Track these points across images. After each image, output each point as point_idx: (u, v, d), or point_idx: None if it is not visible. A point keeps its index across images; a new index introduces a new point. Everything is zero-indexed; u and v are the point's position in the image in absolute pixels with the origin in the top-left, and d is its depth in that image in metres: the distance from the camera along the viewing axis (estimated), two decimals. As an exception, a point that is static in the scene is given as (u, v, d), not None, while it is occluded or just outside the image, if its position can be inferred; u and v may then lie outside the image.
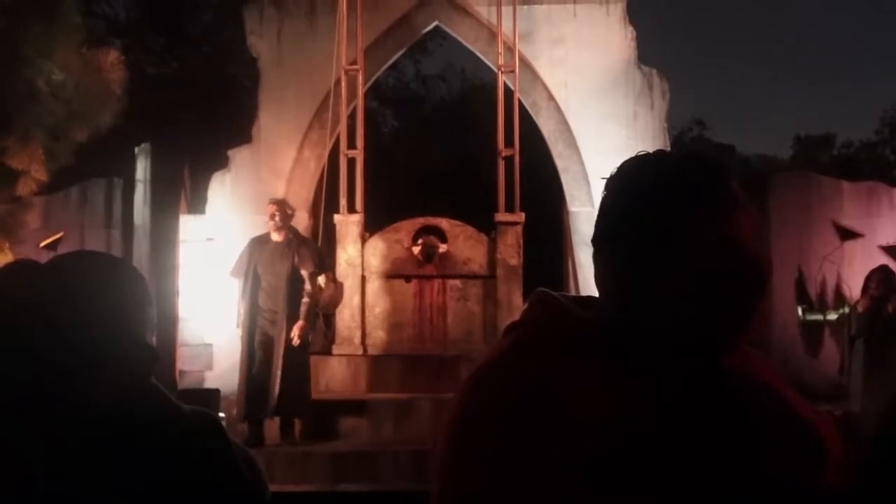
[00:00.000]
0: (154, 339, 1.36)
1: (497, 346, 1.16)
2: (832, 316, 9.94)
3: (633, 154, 1.20)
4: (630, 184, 1.14)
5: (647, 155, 1.18)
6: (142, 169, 10.05)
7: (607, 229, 1.14)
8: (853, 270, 9.67)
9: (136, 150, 10.14)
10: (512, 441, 1.03)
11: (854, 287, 9.33)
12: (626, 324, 1.10)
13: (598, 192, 10.63)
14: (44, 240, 9.76)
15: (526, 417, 1.04)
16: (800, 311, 10.06)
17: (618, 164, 1.18)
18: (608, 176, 1.18)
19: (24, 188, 7.35)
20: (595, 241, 1.16)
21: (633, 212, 1.11)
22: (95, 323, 1.24)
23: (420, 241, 9.44)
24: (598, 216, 1.16)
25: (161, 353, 1.37)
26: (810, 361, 9.63)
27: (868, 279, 8.46)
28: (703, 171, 1.13)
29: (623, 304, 1.12)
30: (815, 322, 10.04)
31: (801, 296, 10.02)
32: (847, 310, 9.29)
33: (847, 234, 10.00)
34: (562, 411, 1.04)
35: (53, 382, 1.19)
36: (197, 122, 15.25)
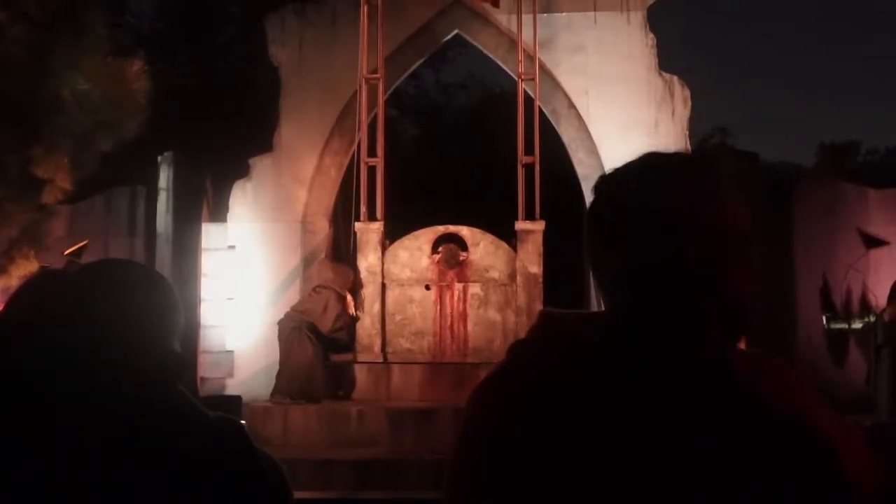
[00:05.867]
0: (178, 346, 1.37)
1: (500, 362, 1.18)
2: (857, 324, 9.82)
3: None
4: (609, 191, 1.16)
5: (630, 163, 1.17)
6: (164, 177, 10.15)
7: (590, 240, 1.15)
8: (879, 278, 9.55)
9: (159, 158, 10.25)
10: (509, 453, 1.05)
11: (880, 296, 9.22)
12: (619, 331, 1.11)
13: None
14: (68, 248, 9.88)
15: (524, 429, 1.06)
16: (824, 320, 9.95)
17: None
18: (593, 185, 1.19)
19: (49, 197, 7.44)
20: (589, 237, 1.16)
21: (608, 211, 1.13)
22: (127, 329, 1.26)
23: (440, 249, 9.45)
24: (585, 226, 1.17)
25: (184, 359, 1.39)
26: (836, 371, 9.51)
27: (894, 288, 8.36)
28: (669, 156, 1.15)
29: (615, 308, 1.12)
30: (840, 331, 9.92)
31: (826, 304, 9.91)
32: (873, 318, 9.18)
33: (873, 242, 9.88)
34: (559, 423, 1.05)
35: (82, 385, 1.21)
36: (219, 131, 15.38)
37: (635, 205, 1.10)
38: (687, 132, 10.00)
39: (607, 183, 1.16)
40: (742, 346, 1.19)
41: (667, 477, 1.01)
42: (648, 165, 1.15)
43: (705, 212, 1.08)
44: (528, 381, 1.10)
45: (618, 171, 1.16)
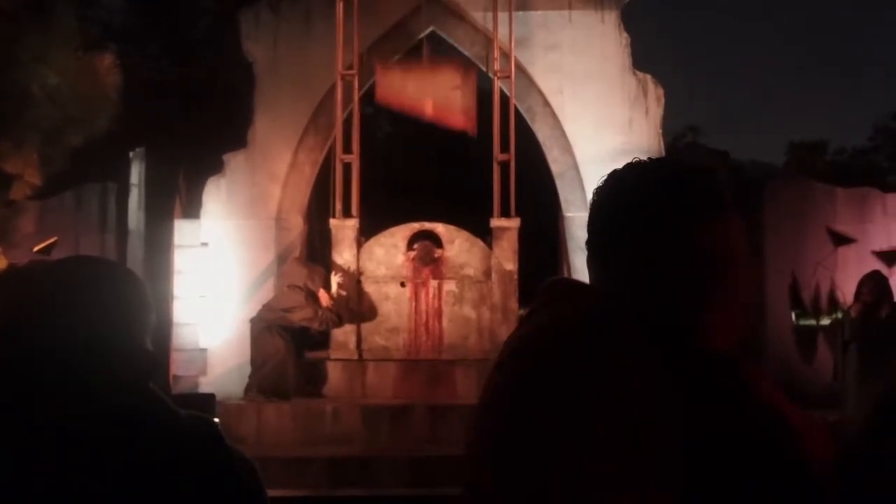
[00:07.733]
0: (149, 344, 1.36)
1: (523, 332, 1.15)
2: (825, 321, 9.96)
3: (628, 160, 1.22)
4: (620, 191, 1.17)
5: (639, 163, 1.20)
6: (136, 173, 10.03)
7: (598, 235, 1.16)
8: (846, 276, 9.69)
9: (131, 154, 10.12)
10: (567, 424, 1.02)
11: (847, 292, 9.35)
12: (604, 327, 1.11)
13: (593, 197, 10.69)
14: (38, 244, 9.73)
15: (574, 398, 1.03)
16: (793, 317, 10.08)
17: (609, 172, 1.20)
18: (598, 184, 1.20)
19: (18, 192, 7.33)
20: (588, 245, 1.18)
21: (625, 218, 1.14)
22: (96, 327, 1.25)
23: (416, 246, 9.45)
24: (589, 222, 1.19)
25: (156, 358, 1.37)
26: (804, 366, 9.65)
27: (861, 284, 8.49)
28: (692, 178, 1.16)
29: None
30: (809, 327, 10.06)
31: (795, 301, 10.04)
32: (840, 315, 9.32)
33: (840, 240, 10.03)
34: (598, 394, 1.03)
35: (54, 385, 1.20)
36: (192, 127, 15.25)
37: (630, 213, 1.13)
38: (660, 131, 10.07)
39: (606, 189, 1.19)
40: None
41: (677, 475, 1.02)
42: (648, 175, 1.17)
43: (700, 226, 1.12)
44: (579, 358, 1.07)
45: (617, 177, 1.18)
